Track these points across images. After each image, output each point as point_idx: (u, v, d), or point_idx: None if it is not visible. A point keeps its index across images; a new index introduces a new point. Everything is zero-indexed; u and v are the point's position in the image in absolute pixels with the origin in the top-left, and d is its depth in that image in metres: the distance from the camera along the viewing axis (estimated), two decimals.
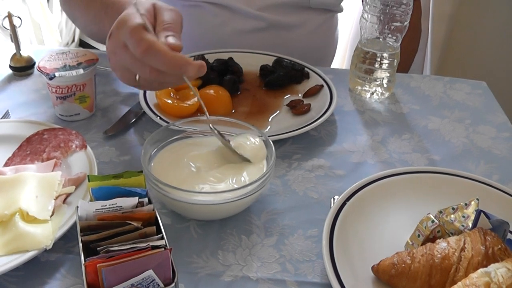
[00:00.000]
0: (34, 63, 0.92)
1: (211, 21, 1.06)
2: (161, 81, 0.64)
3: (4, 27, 0.90)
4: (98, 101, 0.84)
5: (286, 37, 1.08)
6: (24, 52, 0.92)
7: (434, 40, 1.56)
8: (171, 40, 0.62)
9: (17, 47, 0.90)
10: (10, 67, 0.91)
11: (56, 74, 0.74)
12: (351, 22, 1.69)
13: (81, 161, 0.68)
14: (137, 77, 0.64)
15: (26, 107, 0.83)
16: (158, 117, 0.76)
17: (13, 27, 0.88)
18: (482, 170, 0.76)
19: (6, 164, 0.68)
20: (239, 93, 0.87)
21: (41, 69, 0.75)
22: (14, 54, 0.91)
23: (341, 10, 1.19)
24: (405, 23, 0.86)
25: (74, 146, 0.70)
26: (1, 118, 0.79)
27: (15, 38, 0.89)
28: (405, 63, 1.20)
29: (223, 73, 0.87)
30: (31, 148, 0.70)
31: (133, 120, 0.80)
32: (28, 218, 0.58)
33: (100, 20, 0.81)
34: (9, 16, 0.87)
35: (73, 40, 2.25)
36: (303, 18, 1.09)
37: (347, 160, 0.76)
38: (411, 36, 1.21)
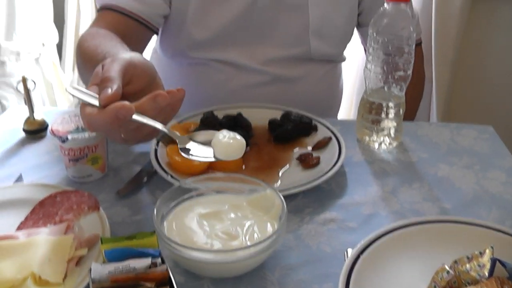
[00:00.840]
0: (47, 126, 0.94)
1: (217, 78, 1.10)
2: (141, 135, 0.65)
3: (19, 91, 0.92)
4: (110, 161, 0.85)
5: (290, 90, 1.11)
6: (37, 115, 0.94)
7: (438, 85, 1.57)
8: (102, 94, 0.62)
9: (31, 110, 0.93)
10: (24, 130, 0.93)
11: (69, 137, 0.76)
12: (355, 71, 1.72)
13: (93, 222, 0.69)
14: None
15: (39, 169, 0.85)
16: (170, 176, 0.77)
17: (27, 91, 0.91)
18: (495, 216, 0.75)
19: (19, 228, 0.69)
20: (248, 148, 0.88)
21: (54, 132, 0.77)
22: (28, 118, 0.93)
23: (343, 59, 1.22)
24: (408, 72, 0.88)
25: (86, 208, 0.70)
26: (15, 182, 0.80)
27: (29, 101, 0.92)
28: (411, 109, 1.22)
29: (232, 129, 0.88)
30: (43, 212, 0.70)
31: (145, 179, 0.81)
32: (41, 282, 0.58)
33: None
34: (24, 80, 0.90)
35: None
36: (306, 70, 1.12)
37: (359, 212, 0.76)
38: (415, 82, 1.22)
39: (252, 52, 1.10)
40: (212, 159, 0.67)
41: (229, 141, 0.67)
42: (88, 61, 0.86)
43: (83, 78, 0.94)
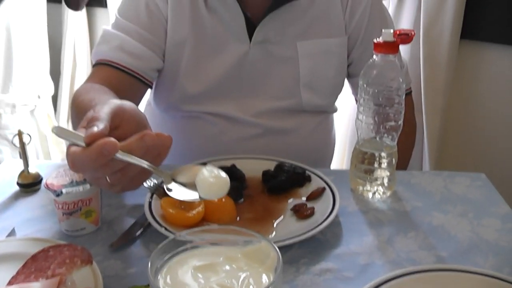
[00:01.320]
0: (41, 179, 0.94)
1: (210, 130, 1.11)
2: (127, 178, 0.65)
3: (14, 145, 0.93)
4: (103, 214, 0.85)
5: (283, 141, 1.12)
6: (32, 169, 0.94)
7: (429, 133, 1.59)
8: (87, 132, 0.62)
9: (26, 164, 0.93)
10: (18, 184, 0.93)
11: (63, 190, 0.76)
12: (347, 120, 1.74)
13: (86, 276, 0.67)
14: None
15: (32, 223, 0.84)
16: (164, 228, 0.76)
17: (22, 145, 0.91)
18: (492, 264, 0.75)
19: (9, 283, 0.67)
20: (242, 199, 0.88)
21: (49, 186, 0.77)
22: (22, 171, 0.93)
23: (335, 110, 1.24)
24: (400, 122, 0.89)
25: (79, 262, 0.69)
26: (7, 236, 0.79)
27: (24, 155, 0.92)
28: (404, 158, 1.22)
29: None
30: (36, 266, 0.69)
31: (139, 232, 0.81)
32: None
33: None
34: (19, 134, 0.91)
35: None
36: (298, 122, 1.14)
37: (355, 262, 0.75)
38: (407, 131, 1.23)
39: (245, 105, 1.11)
40: (197, 199, 0.67)
41: (213, 180, 0.66)
42: (82, 115, 0.87)
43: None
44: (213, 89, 1.10)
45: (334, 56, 1.14)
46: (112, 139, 0.60)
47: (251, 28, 1.08)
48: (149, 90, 1.15)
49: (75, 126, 0.96)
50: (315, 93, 1.13)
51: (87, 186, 0.77)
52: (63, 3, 2.52)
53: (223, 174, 0.67)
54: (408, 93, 1.23)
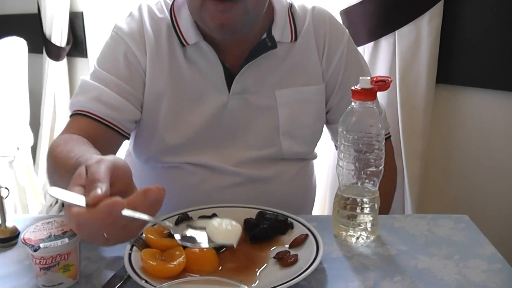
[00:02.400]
0: (19, 233, 0.92)
1: (191, 180, 1.10)
2: (123, 234, 0.66)
3: None
4: (82, 267, 0.83)
5: (264, 189, 1.12)
6: (9, 223, 0.92)
7: (410, 176, 1.60)
8: (91, 194, 0.63)
9: (3, 218, 0.91)
10: None
11: (41, 245, 0.74)
12: (327, 166, 1.75)
13: None
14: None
15: (7, 279, 0.81)
16: (144, 281, 0.74)
17: (0, 199, 0.89)
18: None
19: None
20: (224, 249, 0.86)
21: (26, 241, 0.75)
22: None
23: (315, 157, 1.24)
24: (380, 168, 0.90)
25: None
26: None
27: (1, 210, 0.90)
28: (386, 202, 1.23)
29: None
30: None
31: (119, 285, 0.78)
32: None
33: None
34: None
35: (56, 202, 2.27)
36: (279, 170, 1.14)
37: None
38: (388, 176, 1.24)
39: (225, 154, 1.11)
40: (211, 245, 0.71)
41: (227, 227, 0.71)
42: (60, 166, 0.86)
43: (53, 182, 0.94)
44: (193, 140, 1.10)
45: (312, 103, 1.15)
46: (119, 198, 0.62)
47: (229, 79, 1.08)
48: (127, 140, 1.14)
49: (51, 177, 0.95)
50: (295, 140, 1.14)
51: (65, 240, 0.75)
52: (44, 53, 2.54)
53: (234, 222, 0.73)
54: (387, 138, 1.25)
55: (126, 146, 1.21)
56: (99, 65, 1.09)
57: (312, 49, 1.14)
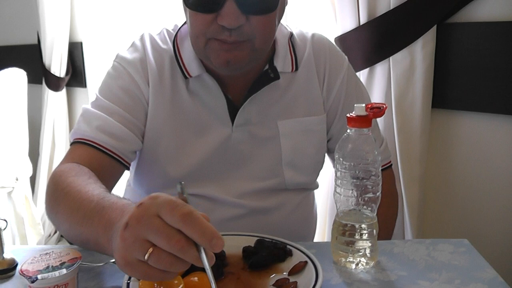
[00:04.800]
0: (17, 265, 0.91)
1: None
2: (173, 262, 0.62)
3: None
4: None
5: (266, 220, 1.11)
6: (7, 254, 0.91)
7: (409, 201, 1.60)
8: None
9: (1, 250, 0.90)
10: None
11: (39, 276, 0.73)
12: (325, 193, 1.75)
13: None
14: (146, 256, 0.62)
15: None
16: None
17: None
18: None
19: None
20: (223, 277, 0.86)
21: (24, 272, 0.75)
22: None
23: (316, 186, 1.23)
24: (378, 193, 0.90)
25: None
26: None
27: None
28: (387, 228, 1.22)
29: None
30: None
31: None
32: None
33: (89, 221, 0.80)
34: None
35: (55, 232, 2.27)
36: (281, 200, 1.13)
37: None
38: (389, 202, 1.24)
39: (228, 186, 1.10)
40: None
41: None
42: (71, 201, 0.85)
43: (54, 212, 0.92)
44: (195, 172, 1.09)
45: (314, 133, 1.14)
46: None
47: (232, 111, 1.08)
48: (126, 182, 1.13)
49: (51, 205, 0.93)
50: (298, 171, 1.13)
51: (63, 271, 0.75)
52: (44, 83, 2.56)
53: None
54: (389, 167, 1.24)
55: (125, 176, 1.21)
56: (101, 94, 1.08)
57: (313, 79, 1.14)
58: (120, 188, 1.20)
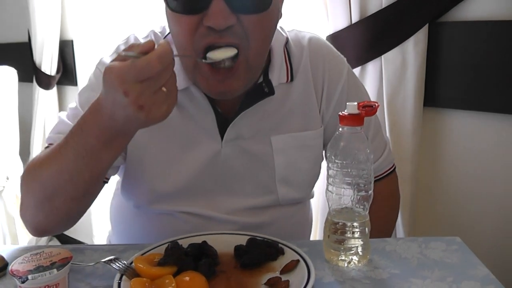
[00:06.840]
0: (7, 264, 0.90)
1: (183, 228, 1.02)
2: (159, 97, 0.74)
3: None
4: None
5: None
6: None
7: (401, 199, 1.60)
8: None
9: None
10: None
11: (29, 276, 0.73)
12: (317, 192, 1.74)
13: None
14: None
15: None
16: None
17: None
18: None
19: None
20: (215, 276, 0.86)
21: (14, 272, 0.74)
22: None
23: (312, 196, 1.19)
24: (370, 192, 0.90)
25: None
26: None
27: None
28: (388, 228, 1.21)
29: (198, 258, 0.87)
30: None
31: None
32: None
33: (72, 139, 0.85)
34: None
35: None
36: (275, 216, 1.09)
37: None
38: (392, 205, 1.23)
39: (219, 203, 1.05)
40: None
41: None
42: (51, 152, 0.88)
43: (39, 176, 0.89)
44: (184, 188, 1.04)
45: (310, 148, 1.09)
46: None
47: (222, 125, 1.02)
48: (116, 184, 1.11)
49: (31, 175, 0.92)
50: (292, 187, 1.08)
51: (54, 271, 0.75)
52: (35, 82, 2.55)
53: None
54: (392, 171, 1.21)
55: (112, 187, 1.18)
56: (79, 102, 1.02)
57: (310, 90, 1.07)
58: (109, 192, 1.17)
